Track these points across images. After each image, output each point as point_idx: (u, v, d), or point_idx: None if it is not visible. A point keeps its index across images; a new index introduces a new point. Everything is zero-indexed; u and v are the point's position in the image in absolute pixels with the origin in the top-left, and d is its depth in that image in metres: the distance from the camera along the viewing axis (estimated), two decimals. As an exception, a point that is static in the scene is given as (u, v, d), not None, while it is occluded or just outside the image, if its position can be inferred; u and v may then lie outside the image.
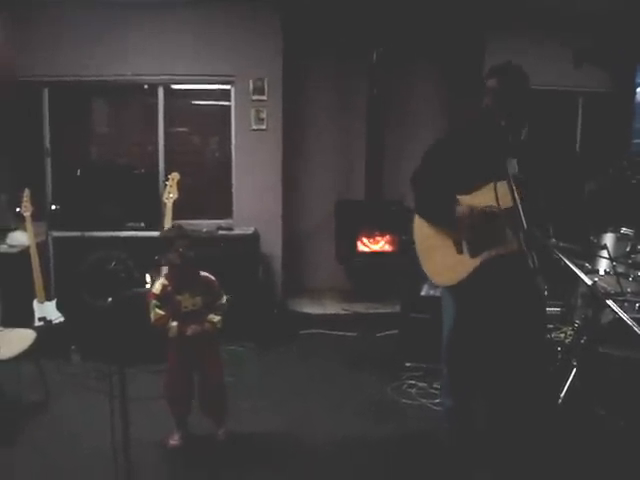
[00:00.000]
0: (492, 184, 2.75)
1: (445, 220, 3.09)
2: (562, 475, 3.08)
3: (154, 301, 3.37)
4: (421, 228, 3.25)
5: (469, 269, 3.02)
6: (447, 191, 3.07)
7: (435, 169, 3.15)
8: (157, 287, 3.39)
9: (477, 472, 3.16)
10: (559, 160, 3.10)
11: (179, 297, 3.35)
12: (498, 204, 2.76)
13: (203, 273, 3.44)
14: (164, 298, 3.36)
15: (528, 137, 3.00)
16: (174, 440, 3.45)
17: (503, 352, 3.11)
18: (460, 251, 3.05)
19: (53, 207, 5.32)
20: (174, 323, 3.34)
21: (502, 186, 2.73)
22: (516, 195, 2.60)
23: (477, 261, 3.00)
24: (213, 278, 3.47)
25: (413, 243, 3.33)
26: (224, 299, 3.49)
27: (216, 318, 3.40)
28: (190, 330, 3.32)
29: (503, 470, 3.14)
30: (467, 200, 3.00)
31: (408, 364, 4.56)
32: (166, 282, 3.38)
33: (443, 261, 3.13)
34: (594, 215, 4.09)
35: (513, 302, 2.99)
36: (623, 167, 4.57)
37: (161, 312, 3.35)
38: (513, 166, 2.87)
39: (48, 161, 5.97)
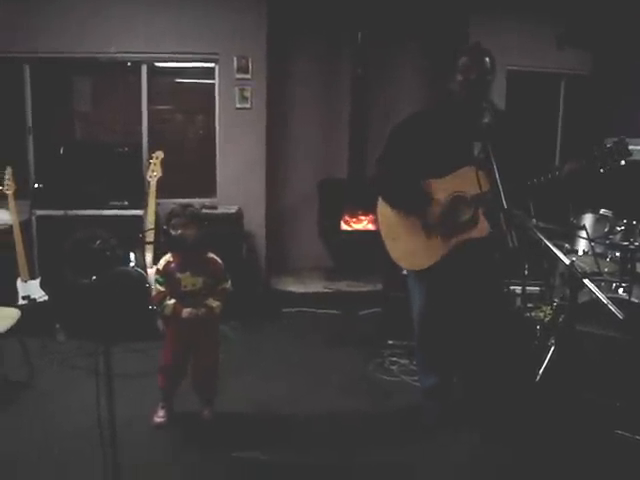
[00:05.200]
0: (473, 167, 2.78)
1: (416, 208, 3.10)
2: (540, 449, 3.16)
3: (157, 276, 3.40)
4: (386, 212, 3.25)
5: (438, 255, 3.06)
6: (415, 176, 3.08)
7: (403, 152, 3.15)
8: (161, 263, 3.41)
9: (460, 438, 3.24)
10: (529, 142, 3.13)
11: (180, 275, 3.36)
12: (480, 187, 2.80)
13: (210, 255, 3.45)
14: (166, 275, 3.38)
15: (495, 120, 2.93)
16: (159, 417, 3.48)
17: (469, 330, 3.19)
18: (429, 235, 3.09)
19: (36, 185, 5.29)
20: (171, 301, 3.35)
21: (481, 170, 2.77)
22: (497, 177, 2.64)
23: (446, 247, 3.04)
24: (219, 261, 3.47)
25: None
26: (228, 284, 3.47)
27: (215, 303, 3.39)
28: (185, 313, 3.32)
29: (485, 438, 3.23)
30: (443, 184, 3.03)
31: (390, 342, 4.63)
32: (171, 259, 3.40)
33: (411, 246, 3.16)
34: (574, 196, 4.14)
35: (477, 283, 3.06)
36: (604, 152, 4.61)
37: (161, 288, 3.37)
38: (477, 149, 2.92)
39: (30, 139, 5.91)
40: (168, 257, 3.42)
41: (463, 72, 2.99)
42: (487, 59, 2.98)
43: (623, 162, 2.70)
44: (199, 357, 3.48)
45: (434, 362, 3.42)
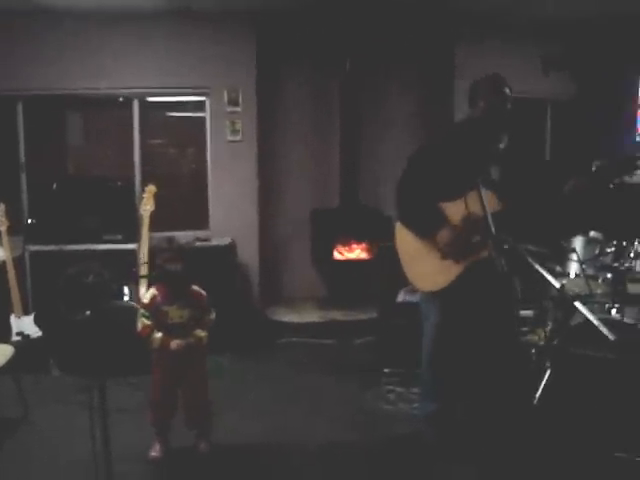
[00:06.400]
0: (476, 191, 2.83)
1: (429, 231, 3.17)
2: (541, 470, 3.15)
3: (142, 310, 3.40)
4: (403, 235, 3.34)
5: (453, 274, 3.11)
6: (432, 201, 3.17)
7: (420, 177, 3.23)
8: (147, 296, 3.42)
9: (460, 468, 3.23)
10: (534, 165, 3.23)
11: (166, 308, 3.37)
12: (485, 210, 2.84)
13: (194, 287, 3.47)
14: (152, 308, 3.38)
15: (508, 145, 3.16)
16: (155, 452, 3.45)
17: (482, 353, 3.21)
18: (445, 257, 3.13)
19: (29, 221, 5.31)
20: (158, 334, 3.35)
21: (486, 193, 2.83)
22: (485, 202, 2.69)
23: (461, 267, 3.08)
24: (203, 293, 3.49)
25: (395, 250, 3.41)
26: (213, 315, 3.50)
27: (202, 333, 3.41)
28: (173, 344, 3.32)
29: (485, 466, 3.22)
30: (452, 208, 3.08)
31: (386, 370, 4.62)
32: (156, 292, 3.41)
33: (427, 267, 3.22)
34: (566, 219, 4.18)
35: (491, 303, 3.08)
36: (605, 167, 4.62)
37: (147, 322, 3.38)
38: (495, 173, 3.03)
39: (23, 175, 5.95)
40: (153, 290, 3.44)
41: (485, 101, 3.11)
42: (507, 88, 3.13)
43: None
44: (189, 390, 3.46)
45: (439, 387, 3.42)
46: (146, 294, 3.48)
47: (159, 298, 3.39)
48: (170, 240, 3.53)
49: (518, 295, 3.58)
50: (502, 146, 3.15)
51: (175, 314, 3.38)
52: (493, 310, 3.13)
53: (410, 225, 3.30)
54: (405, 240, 3.33)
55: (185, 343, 3.34)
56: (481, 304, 3.10)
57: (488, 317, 3.13)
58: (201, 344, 3.42)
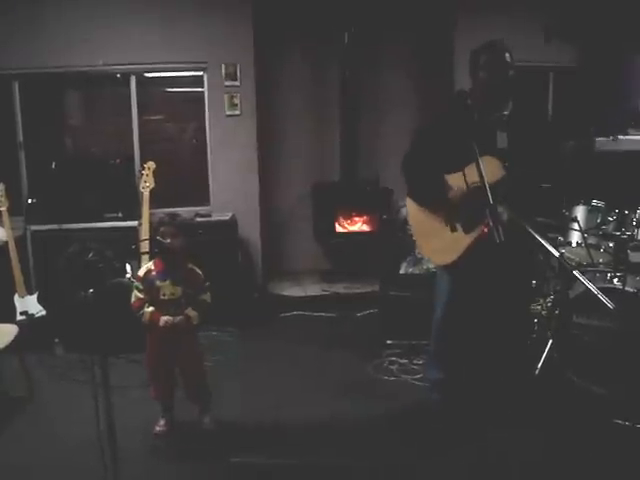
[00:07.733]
0: (476, 162, 2.81)
1: (436, 203, 3.17)
2: (540, 443, 3.17)
3: (136, 283, 3.40)
4: (415, 211, 3.33)
5: (463, 246, 3.10)
6: (437, 174, 3.16)
7: (425, 153, 3.23)
8: (142, 270, 3.43)
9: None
10: (538, 131, 3.18)
11: (160, 284, 3.37)
12: (483, 180, 2.81)
13: (191, 266, 3.46)
14: (146, 282, 3.39)
15: (513, 111, 3.12)
16: (159, 426, 3.49)
17: (489, 325, 3.21)
18: (454, 230, 3.12)
19: (29, 201, 5.30)
20: (149, 309, 3.36)
21: (488, 161, 2.82)
22: (483, 171, 2.66)
23: (470, 238, 3.07)
24: (199, 272, 3.47)
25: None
26: (207, 295, 3.48)
27: (192, 313, 3.40)
28: (161, 321, 3.33)
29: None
30: (456, 179, 3.06)
31: (389, 342, 4.63)
32: (152, 267, 3.41)
33: (439, 242, 3.21)
34: (568, 188, 4.16)
35: (504, 275, 3.08)
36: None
37: (140, 295, 3.39)
38: (502, 140, 2.99)
39: (22, 155, 5.91)
40: (150, 265, 3.44)
41: (486, 70, 3.06)
42: (507, 55, 3.05)
43: None
44: (183, 366, 3.48)
45: (447, 358, 3.43)
46: (142, 267, 3.48)
47: (154, 273, 3.39)
48: (172, 216, 3.51)
49: (534, 265, 3.60)
50: (507, 113, 3.11)
51: (167, 290, 3.37)
52: (502, 283, 3.12)
53: (417, 198, 3.30)
54: (416, 216, 3.33)
55: (172, 320, 3.35)
56: (490, 277, 3.09)
57: (497, 289, 3.12)
58: (190, 324, 3.41)
